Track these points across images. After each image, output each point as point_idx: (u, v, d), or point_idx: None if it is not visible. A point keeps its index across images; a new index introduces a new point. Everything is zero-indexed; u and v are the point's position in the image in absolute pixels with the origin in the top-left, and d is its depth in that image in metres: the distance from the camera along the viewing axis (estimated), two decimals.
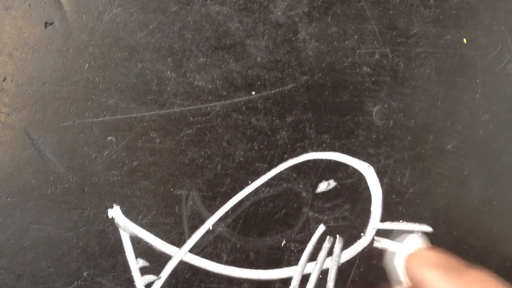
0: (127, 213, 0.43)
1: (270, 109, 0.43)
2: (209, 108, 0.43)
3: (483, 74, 0.44)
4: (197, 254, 0.43)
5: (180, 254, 0.43)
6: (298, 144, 0.43)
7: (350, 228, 0.44)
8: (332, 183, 0.44)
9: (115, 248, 0.43)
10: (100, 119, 0.42)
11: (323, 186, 0.44)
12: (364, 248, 0.44)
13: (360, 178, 0.44)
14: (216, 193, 0.43)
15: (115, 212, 0.43)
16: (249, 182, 0.43)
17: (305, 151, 0.43)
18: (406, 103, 0.44)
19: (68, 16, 0.41)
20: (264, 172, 0.43)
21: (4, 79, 0.41)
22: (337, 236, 0.44)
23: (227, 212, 0.43)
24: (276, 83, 0.43)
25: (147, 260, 0.43)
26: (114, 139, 0.42)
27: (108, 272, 0.43)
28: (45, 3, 0.41)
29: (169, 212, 0.43)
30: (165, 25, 0.42)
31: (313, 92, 0.43)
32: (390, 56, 0.43)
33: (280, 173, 0.43)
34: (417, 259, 0.35)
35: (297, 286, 0.44)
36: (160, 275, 0.43)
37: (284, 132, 0.43)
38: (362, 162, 0.44)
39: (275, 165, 0.43)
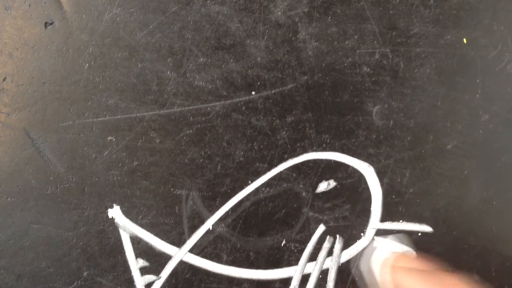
0: (127, 213, 0.43)
1: (270, 109, 0.43)
2: (209, 108, 0.43)
3: (483, 74, 0.44)
4: (197, 254, 0.43)
5: (180, 254, 0.43)
6: (298, 144, 0.43)
7: (350, 228, 0.44)
8: (332, 183, 0.44)
9: (115, 248, 0.43)
10: (100, 119, 0.42)
11: (323, 186, 0.44)
12: (364, 248, 0.44)
13: (360, 178, 0.44)
14: (216, 193, 0.43)
15: (115, 212, 0.43)
16: (249, 182, 0.43)
17: (305, 151, 0.43)
18: (406, 103, 0.43)
19: (68, 16, 0.41)
20: (264, 172, 0.43)
21: (4, 79, 0.41)
22: (337, 236, 0.44)
23: (227, 212, 0.43)
24: (276, 83, 0.43)
25: (147, 260, 0.43)
26: (114, 139, 0.42)
27: (108, 272, 0.43)
28: (45, 3, 0.41)
29: (169, 212, 0.43)
30: (165, 25, 0.42)
31: (313, 92, 0.43)
32: (390, 56, 0.43)
33: (280, 173, 0.43)
34: (394, 262, 0.35)
35: (297, 286, 0.44)
36: (160, 275, 0.43)
37: (284, 132, 0.43)
38: (362, 162, 0.44)
39: (275, 165, 0.43)
